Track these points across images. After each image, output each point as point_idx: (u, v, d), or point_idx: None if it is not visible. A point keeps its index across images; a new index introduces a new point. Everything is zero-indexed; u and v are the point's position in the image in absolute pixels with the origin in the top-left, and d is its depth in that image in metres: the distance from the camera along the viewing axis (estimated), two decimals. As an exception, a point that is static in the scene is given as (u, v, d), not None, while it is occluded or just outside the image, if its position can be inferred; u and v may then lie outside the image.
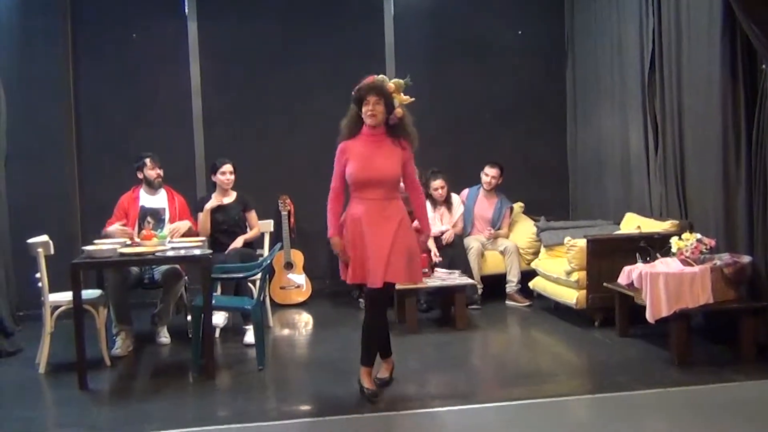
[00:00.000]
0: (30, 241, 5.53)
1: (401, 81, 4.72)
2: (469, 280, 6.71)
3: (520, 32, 8.40)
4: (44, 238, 5.59)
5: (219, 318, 6.21)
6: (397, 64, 8.05)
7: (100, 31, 7.69)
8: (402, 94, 4.73)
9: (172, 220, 6.44)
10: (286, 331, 6.74)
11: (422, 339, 6.17)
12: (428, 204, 7.49)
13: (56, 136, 7.42)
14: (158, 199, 6.50)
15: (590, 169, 8.02)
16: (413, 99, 4.76)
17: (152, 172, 6.46)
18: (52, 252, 5.54)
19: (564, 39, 8.45)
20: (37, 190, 7.14)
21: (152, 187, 6.46)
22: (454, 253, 7.18)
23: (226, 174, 6.66)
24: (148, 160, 6.46)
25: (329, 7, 8.05)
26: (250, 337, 6.06)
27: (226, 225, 6.65)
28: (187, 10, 7.75)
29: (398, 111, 4.62)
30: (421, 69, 8.18)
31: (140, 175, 6.47)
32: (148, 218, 6.32)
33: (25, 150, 7.14)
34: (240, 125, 7.87)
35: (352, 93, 4.65)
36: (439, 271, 6.77)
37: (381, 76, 4.73)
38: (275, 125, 7.84)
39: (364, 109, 4.56)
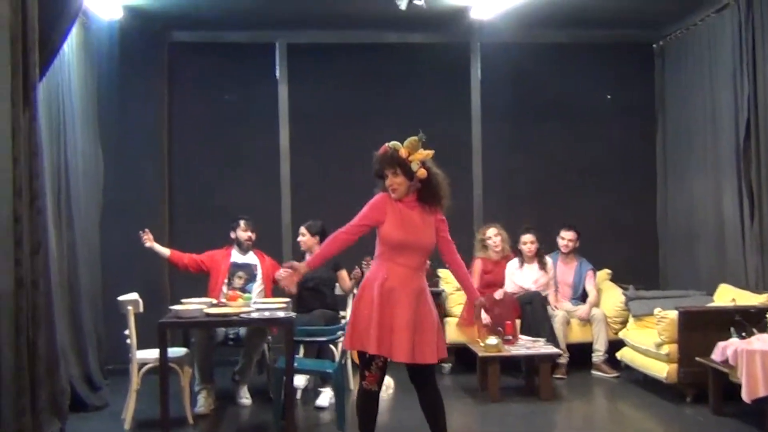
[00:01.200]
0: (121, 298, 5.68)
1: (415, 138, 4.41)
2: (555, 350, 6.53)
3: (609, 96, 8.30)
4: (134, 296, 5.72)
5: (300, 380, 6.19)
6: (483, 126, 8.05)
7: (194, 93, 7.94)
8: (421, 150, 4.42)
9: (264, 278, 6.55)
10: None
11: (504, 408, 6.03)
12: (516, 261, 7.43)
13: (149, 193, 7.65)
14: (249, 258, 6.64)
15: (682, 236, 7.80)
16: (433, 151, 4.48)
17: (244, 234, 6.60)
18: (141, 310, 5.67)
19: (653, 102, 8.31)
20: (129, 247, 7.33)
21: (242, 248, 6.59)
22: (533, 317, 7.00)
23: (299, 236, 6.69)
24: (242, 222, 6.62)
25: (416, 70, 8.13)
26: (323, 399, 6.05)
27: (312, 283, 6.63)
28: (278, 74, 7.94)
29: (421, 172, 4.29)
30: (507, 130, 8.20)
31: (233, 235, 6.62)
32: (240, 273, 6.43)
33: (120, 207, 7.37)
34: (326, 187, 7.95)
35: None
36: (524, 339, 6.64)
37: (393, 143, 4.46)
38: (360, 187, 7.86)
39: (386, 183, 4.32)
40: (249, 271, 6.51)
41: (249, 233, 6.62)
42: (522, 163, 8.15)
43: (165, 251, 6.60)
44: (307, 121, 7.99)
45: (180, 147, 7.92)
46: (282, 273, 4.51)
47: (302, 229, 6.67)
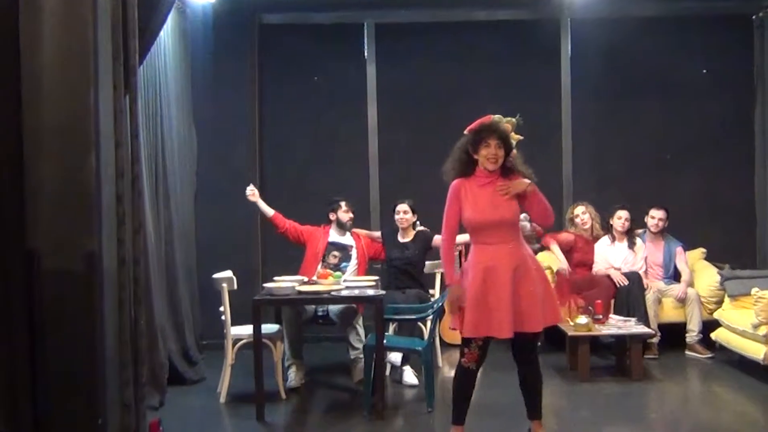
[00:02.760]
0: (215, 276, 5.86)
1: (514, 120, 4.47)
2: (646, 329, 6.42)
3: (705, 71, 8.06)
4: (228, 273, 5.90)
5: (396, 356, 6.24)
6: (573, 103, 7.93)
7: (284, 75, 8.06)
8: (513, 133, 4.46)
9: (359, 258, 6.68)
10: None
11: (595, 388, 5.98)
12: (607, 238, 7.33)
13: (242, 175, 7.80)
14: (346, 239, 6.78)
15: (780, 214, 7.55)
16: (522, 137, 4.51)
17: (345, 215, 6.73)
18: (236, 287, 5.85)
19: (752, 76, 8.03)
20: (222, 227, 7.54)
21: (343, 228, 6.74)
22: (628, 297, 6.90)
23: (400, 213, 6.77)
24: (343, 203, 6.76)
25: (504, 47, 8.05)
26: (410, 377, 6.13)
27: (398, 262, 6.73)
28: (366, 54, 7.98)
29: (514, 153, 4.39)
30: (598, 108, 8.06)
31: (332, 217, 6.76)
32: (335, 252, 6.55)
33: (213, 188, 7.58)
34: (413, 165, 7.98)
35: (465, 132, 4.45)
36: (614, 318, 6.55)
37: (497, 116, 4.48)
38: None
39: (483, 152, 4.31)
40: (345, 251, 6.63)
41: (350, 214, 6.76)
42: (613, 140, 7.99)
43: (269, 210, 6.77)
44: (394, 101, 8.02)
45: (271, 128, 8.06)
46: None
47: (405, 207, 6.75)
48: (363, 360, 5.70)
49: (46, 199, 4.15)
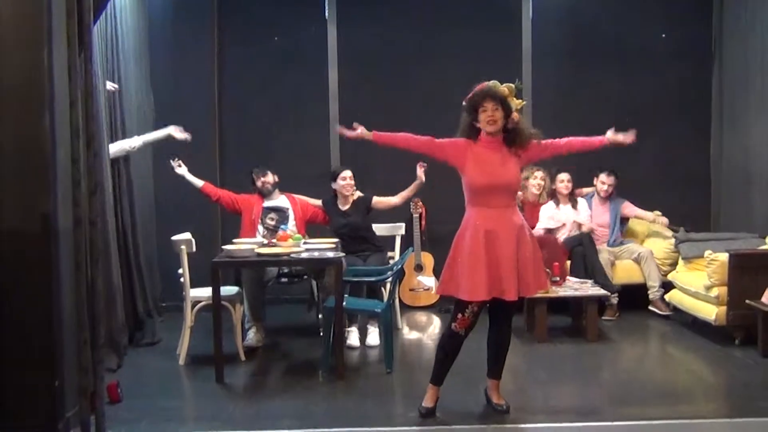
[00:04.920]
0: (174, 238, 5.83)
1: (512, 85, 4.57)
2: (602, 291, 6.52)
3: (663, 35, 8.12)
4: (187, 236, 5.87)
5: (355, 338, 6.25)
6: (534, 67, 7.94)
7: (244, 36, 7.96)
8: (514, 98, 4.56)
9: (297, 219, 6.68)
10: (414, 334, 6.79)
11: (551, 349, 6.08)
12: (551, 203, 7.41)
13: (201, 136, 7.70)
14: (280, 201, 6.77)
15: (736, 179, 7.67)
16: (525, 102, 4.63)
17: (258, 181, 6.77)
18: (194, 249, 5.82)
19: (711, 42, 8.11)
20: (181, 189, 7.45)
21: (264, 194, 6.76)
22: (585, 259, 6.99)
23: (346, 179, 6.76)
24: (252, 173, 6.83)
25: (466, 10, 8.02)
26: (373, 338, 6.17)
27: (347, 230, 6.72)
28: (327, 14, 7.90)
29: (515, 115, 4.46)
30: (559, 72, 8.09)
31: (253, 187, 6.82)
32: (271, 214, 6.52)
33: (172, 149, 7.46)
34: (375, 128, 7.93)
35: (464, 102, 4.50)
36: (571, 280, 6.64)
37: (492, 81, 4.57)
38: (409, 128, 7.86)
39: (481, 117, 4.36)
40: (282, 213, 6.58)
41: (261, 180, 6.77)
42: (572, 104, 8.02)
43: (197, 182, 6.79)
44: (356, 63, 7.96)
45: (230, 90, 7.97)
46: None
47: (350, 173, 6.75)
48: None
49: (1, 159, 4.09)
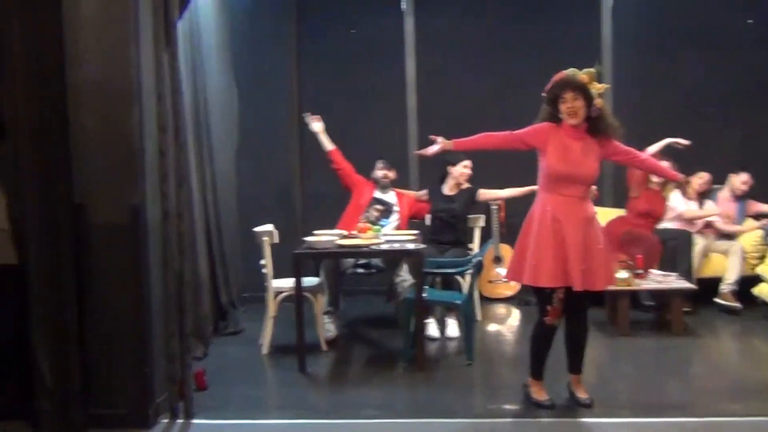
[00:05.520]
0: (256, 229, 5.93)
1: (592, 70, 4.42)
2: (686, 284, 6.36)
3: (749, 21, 7.86)
4: (269, 227, 5.96)
5: (434, 330, 6.24)
6: (613, 57, 7.79)
7: (322, 29, 8.02)
8: (595, 83, 4.43)
9: (401, 217, 6.70)
10: (493, 326, 6.75)
11: (634, 343, 5.97)
12: (680, 194, 7.22)
13: (281, 130, 7.84)
14: (389, 197, 6.79)
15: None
16: (608, 86, 4.50)
17: (379, 173, 6.77)
18: (277, 241, 5.91)
19: (800, 26, 7.82)
20: (263, 181, 7.59)
21: (379, 186, 6.77)
22: (675, 254, 6.82)
23: (468, 168, 6.76)
24: (379, 162, 6.82)
25: (545, -1, 7.94)
26: (452, 330, 6.17)
27: (445, 215, 6.71)
28: (404, 6, 7.90)
29: (598, 102, 4.34)
30: (640, 61, 7.90)
31: (372, 175, 6.81)
32: (377, 206, 6.56)
33: (254, 143, 7.62)
34: (454, 120, 7.90)
35: (543, 94, 4.43)
36: (655, 273, 6.51)
37: (571, 70, 4.46)
38: (488, 119, 7.81)
39: (562, 108, 4.31)
40: (387, 207, 6.63)
41: (384, 172, 6.77)
42: (654, 94, 7.84)
43: (328, 144, 6.80)
44: (433, 54, 7.94)
45: (309, 82, 8.04)
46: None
47: (469, 162, 6.75)
48: (406, 289, 5.85)
49: (92, 154, 4.23)
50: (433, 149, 4.76)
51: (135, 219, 4.24)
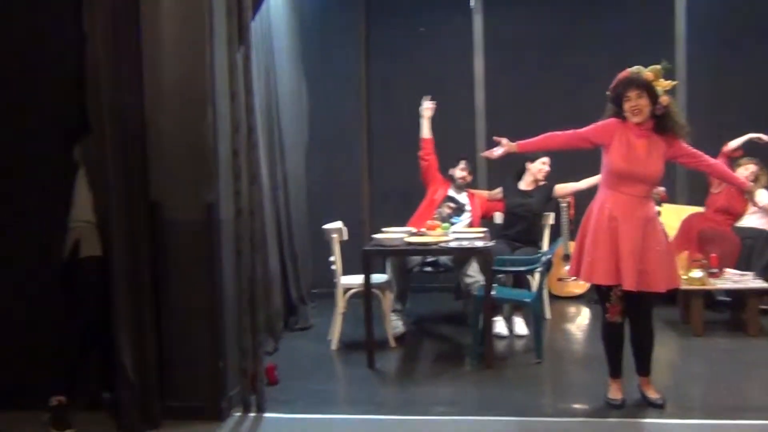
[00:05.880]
0: (326, 226, 6.00)
1: (658, 66, 4.33)
2: (764, 284, 6.20)
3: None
4: (339, 224, 6.03)
5: (503, 327, 6.22)
6: (687, 51, 7.63)
7: (391, 27, 8.05)
8: (662, 80, 4.35)
9: (473, 218, 6.68)
10: (563, 324, 6.70)
11: (709, 343, 5.84)
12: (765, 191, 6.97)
13: (350, 127, 7.90)
14: (461, 197, 6.76)
15: None
16: (676, 82, 4.41)
17: (460, 172, 6.72)
18: (346, 238, 5.97)
19: None
20: (332, 179, 7.66)
21: (455, 185, 6.74)
22: (752, 252, 6.65)
23: (546, 165, 6.70)
24: (462, 162, 6.76)
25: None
26: (521, 328, 6.16)
27: (521, 209, 6.66)
28: (473, 3, 7.88)
29: (663, 99, 4.26)
30: (716, 53, 7.73)
31: (451, 171, 6.76)
32: (451, 203, 6.57)
33: (323, 140, 7.70)
34: (522, 117, 7.86)
35: (607, 92, 4.38)
36: (730, 272, 6.36)
37: (635, 67, 4.39)
38: (556, 117, 7.74)
39: (626, 107, 4.26)
40: (459, 206, 6.63)
41: (465, 173, 6.73)
42: (729, 90, 7.66)
43: (426, 131, 6.71)
44: (502, 51, 7.90)
45: (378, 80, 8.09)
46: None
47: (548, 159, 6.70)
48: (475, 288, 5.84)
49: (167, 153, 4.34)
50: (497, 152, 4.77)
51: (209, 217, 4.33)
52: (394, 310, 6.14)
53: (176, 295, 4.38)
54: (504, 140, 4.74)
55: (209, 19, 4.32)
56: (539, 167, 6.68)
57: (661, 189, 6.46)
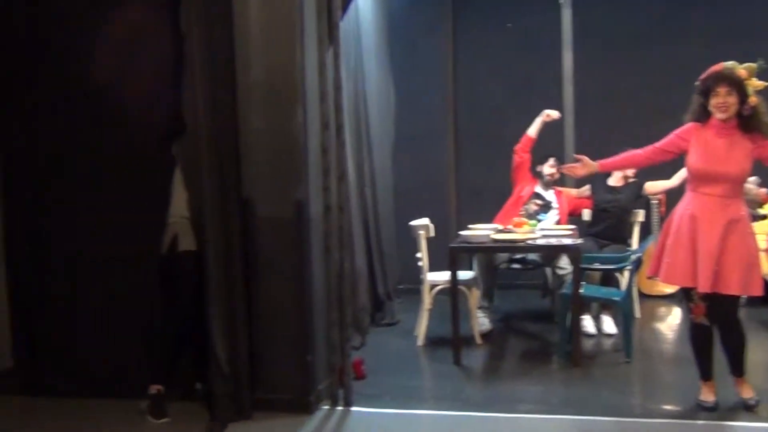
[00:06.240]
0: (413, 223, 6.04)
1: (753, 65, 4.20)
2: None
3: None
4: (425, 221, 6.07)
5: (591, 325, 6.14)
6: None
7: (478, 23, 8.04)
8: (755, 79, 4.21)
9: (560, 215, 6.63)
10: (653, 324, 6.58)
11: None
12: None
13: (436, 123, 7.92)
14: (548, 195, 6.70)
15: None
16: (767, 84, 4.25)
17: (548, 169, 6.66)
18: (432, 234, 6.00)
19: None
20: (418, 175, 7.70)
21: (542, 182, 6.69)
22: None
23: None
24: (551, 159, 6.71)
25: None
26: (609, 326, 6.08)
27: (608, 206, 6.58)
28: (561, -2, 7.80)
29: (753, 99, 4.14)
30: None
31: (538, 168, 6.72)
32: (537, 200, 6.54)
33: (409, 137, 7.75)
34: (612, 113, 7.76)
35: (696, 83, 4.26)
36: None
37: (730, 63, 4.26)
38: (646, 114, 7.61)
39: (713, 102, 4.15)
40: (546, 203, 6.60)
41: (553, 170, 6.66)
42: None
43: (534, 131, 6.61)
44: (590, 46, 7.78)
45: (465, 77, 8.08)
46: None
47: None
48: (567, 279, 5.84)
49: (259, 150, 4.45)
50: (580, 171, 4.74)
51: (299, 213, 4.42)
52: (480, 307, 6.14)
53: (266, 290, 4.49)
54: (584, 158, 4.70)
55: (300, 19, 4.40)
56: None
57: (763, 190, 6.29)
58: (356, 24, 6.32)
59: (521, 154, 6.64)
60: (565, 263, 6.01)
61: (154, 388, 4.44)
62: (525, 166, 6.67)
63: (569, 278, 5.74)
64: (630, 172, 6.57)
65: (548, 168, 6.66)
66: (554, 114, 6.59)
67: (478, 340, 5.89)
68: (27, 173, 4.90)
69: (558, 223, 6.54)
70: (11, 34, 4.82)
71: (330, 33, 4.53)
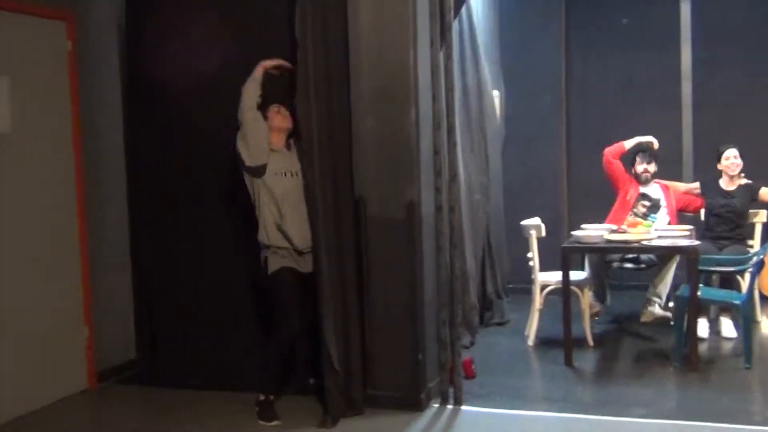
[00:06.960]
0: (524, 222, 6.01)
1: None
2: None
3: None
4: (536, 220, 6.02)
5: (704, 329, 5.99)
6: None
7: (591, 19, 7.90)
8: None
9: (669, 211, 6.46)
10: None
11: None
12: None
13: (548, 121, 7.83)
14: (653, 190, 6.54)
15: None
16: None
17: (638, 167, 6.50)
18: (544, 234, 5.95)
19: None
20: (529, 174, 7.63)
21: (639, 180, 6.52)
22: None
23: (729, 159, 6.37)
24: (637, 157, 6.53)
25: None
26: (728, 330, 5.89)
27: (722, 210, 6.37)
28: (679, -8, 7.58)
29: None
30: None
31: (633, 170, 6.56)
32: (645, 201, 6.40)
33: (520, 135, 7.69)
34: (733, 110, 7.48)
35: None
36: None
37: None
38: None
39: None
40: (654, 203, 6.43)
41: (644, 166, 6.49)
42: None
43: (631, 142, 6.54)
44: (711, 41, 7.52)
45: (577, 74, 7.96)
46: None
47: (735, 152, 6.34)
48: (656, 304, 5.81)
49: (371, 151, 4.53)
50: None
51: (411, 213, 4.48)
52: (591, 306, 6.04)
53: (378, 289, 4.56)
54: None
55: (413, 22, 4.45)
56: (725, 163, 6.32)
57: None
58: (468, 24, 6.32)
59: (613, 159, 6.51)
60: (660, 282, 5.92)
61: (262, 396, 4.51)
62: (619, 170, 6.53)
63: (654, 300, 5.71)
64: (731, 171, 6.30)
65: (638, 166, 6.50)
66: (655, 143, 6.50)
67: (590, 342, 5.81)
68: (152, 178, 5.16)
69: (669, 223, 6.37)
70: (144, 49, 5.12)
71: (442, 34, 4.56)
